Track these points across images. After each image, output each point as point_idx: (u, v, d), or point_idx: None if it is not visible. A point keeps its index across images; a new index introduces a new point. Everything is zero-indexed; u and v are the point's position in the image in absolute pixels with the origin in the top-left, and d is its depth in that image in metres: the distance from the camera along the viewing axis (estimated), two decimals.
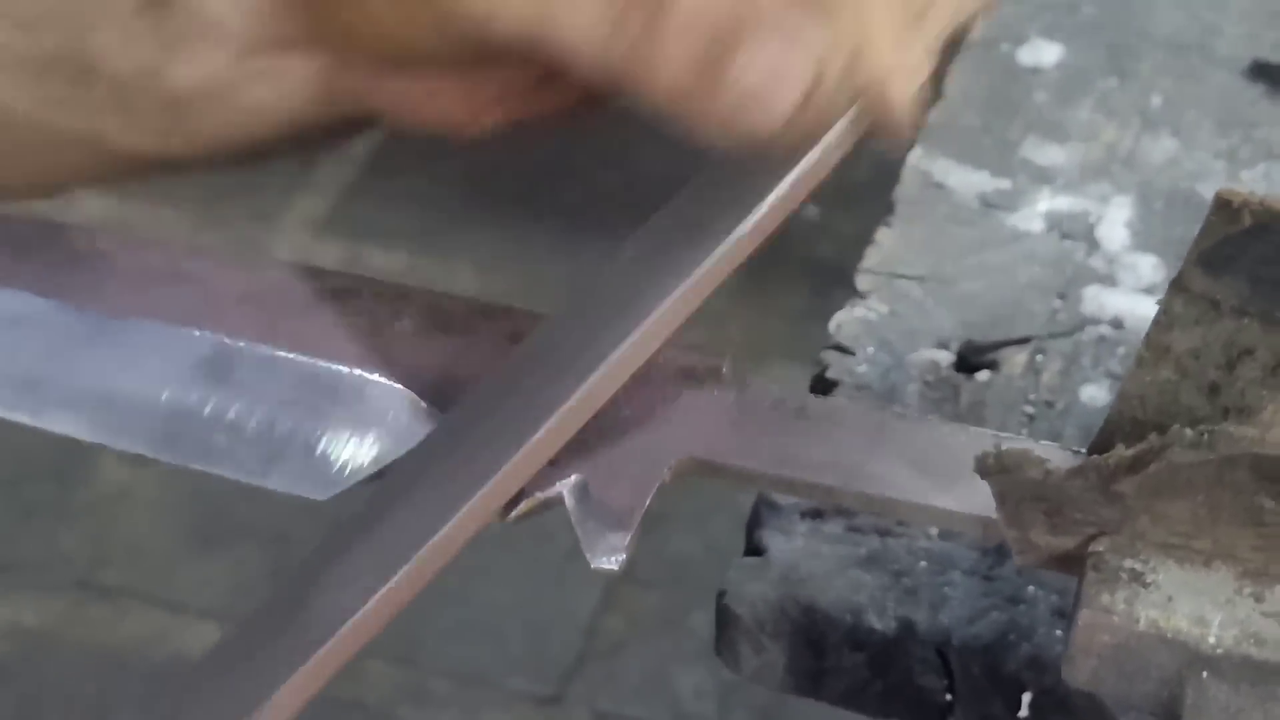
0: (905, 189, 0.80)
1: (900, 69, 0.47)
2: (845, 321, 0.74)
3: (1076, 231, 0.79)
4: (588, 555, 0.45)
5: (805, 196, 0.47)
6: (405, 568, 0.42)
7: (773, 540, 0.67)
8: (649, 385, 0.48)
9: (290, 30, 0.49)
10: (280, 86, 0.50)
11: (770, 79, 0.44)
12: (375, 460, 0.47)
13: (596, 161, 1.89)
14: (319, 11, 0.48)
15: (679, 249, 0.46)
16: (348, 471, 0.47)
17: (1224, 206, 0.45)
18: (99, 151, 0.51)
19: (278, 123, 0.50)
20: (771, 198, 0.46)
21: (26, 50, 0.50)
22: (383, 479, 0.46)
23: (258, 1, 0.49)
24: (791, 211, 0.47)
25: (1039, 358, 0.73)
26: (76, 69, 0.50)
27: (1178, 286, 0.46)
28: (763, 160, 0.46)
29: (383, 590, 0.42)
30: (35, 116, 0.51)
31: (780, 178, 0.46)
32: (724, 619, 0.66)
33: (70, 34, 0.50)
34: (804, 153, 0.46)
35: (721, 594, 0.66)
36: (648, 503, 0.46)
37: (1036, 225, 0.79)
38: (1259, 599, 0.45)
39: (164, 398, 0.48)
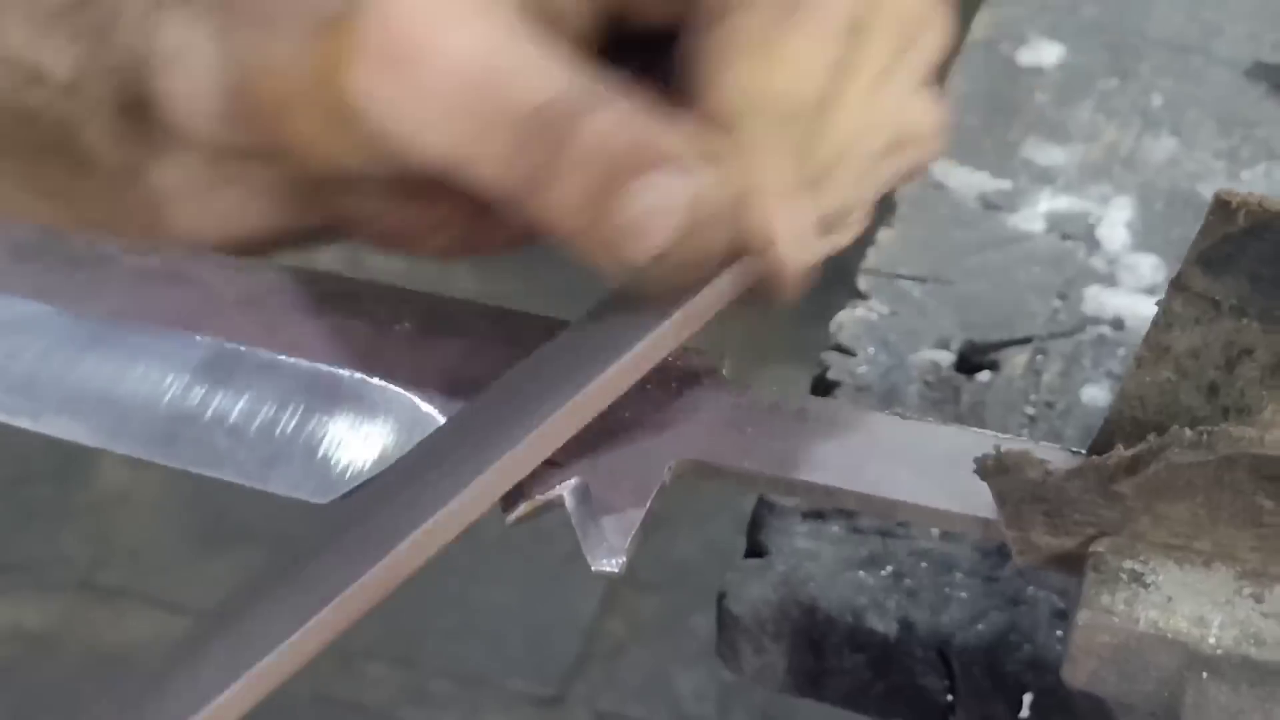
0: (905, 189, 0.80)
1: (787, 230, 0.48)
2: (846, 322, 0.74)
3: (1077, 232, 0.79)
4: (588, 557, 0.45)
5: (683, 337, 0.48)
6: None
7: (773, 541, 0.67)
8: (649, 387, 0.48)
9: (247, 141, 0.51)
10: (247, 191, 0.51)
11: (648, 212, 0.46)
12: (376, 463, 0.47)
13: None
14: (261, 127, 0.50)
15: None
16: (348, 475, 0.47)
17: (1223, 206, 0.45)
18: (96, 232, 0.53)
19: (251, 226, 0.52)
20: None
21: (28, 140, 0.51)
22: (381, 478, 0.46)
23: (218, 112, 0.50)
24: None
25: (1039, 358, 0.73)
26: (72, 162, 0.51)
27: (1177, 286, 0.46)
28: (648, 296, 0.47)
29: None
30: (34, 206, 0.52)
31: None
32: (725, 620, 0.66)
33: (65, 131, 0.51)
34: (682, 294, 0.47)
35: (722, 595, 0.66)
36: (648, 504, 0.46)
37: (1037, 225, 0.79)
38: (1259, 599, 0.45)
39: (164, 401, 0.48)
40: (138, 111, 0.51)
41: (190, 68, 0.50)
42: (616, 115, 0.46)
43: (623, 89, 0.47)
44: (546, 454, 0.45)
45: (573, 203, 0.46)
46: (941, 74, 0.52)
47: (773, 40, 0.48)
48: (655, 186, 0.46)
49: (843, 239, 0.52)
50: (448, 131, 0.47)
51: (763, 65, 0.47)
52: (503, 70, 0.47)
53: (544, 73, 0.47)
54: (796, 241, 0.48)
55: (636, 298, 0.47)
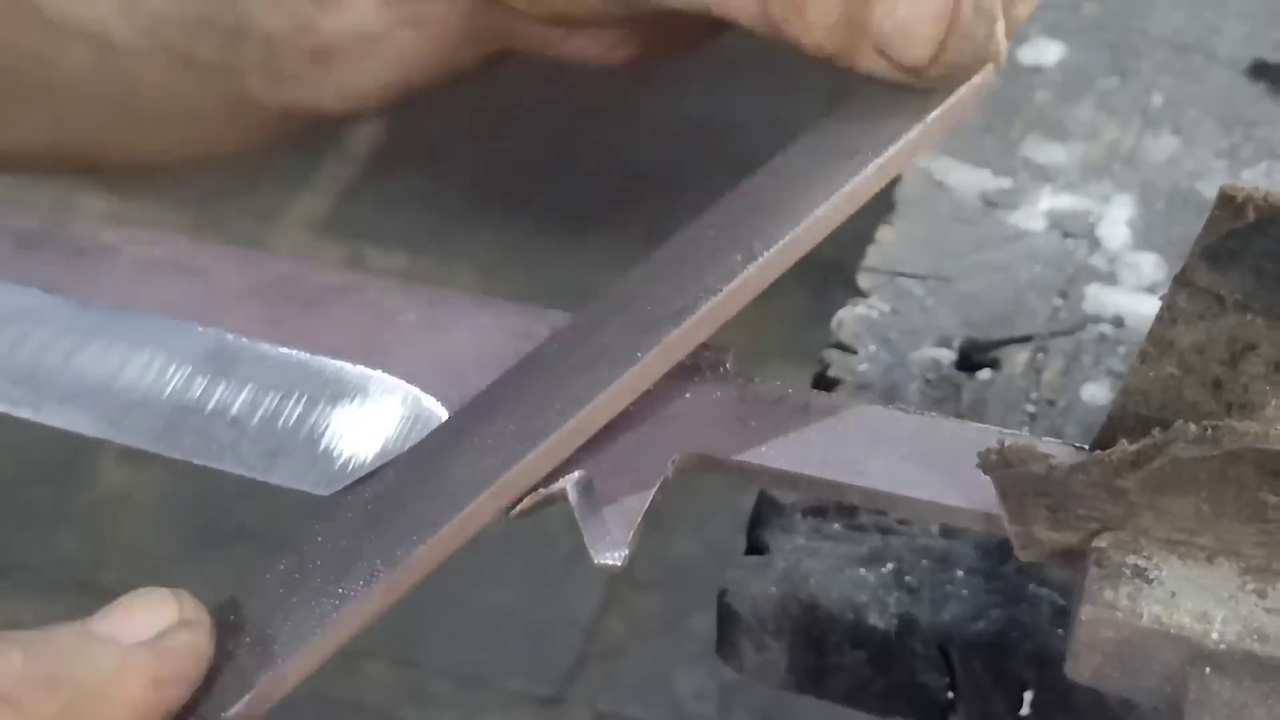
0: (906, 188, 0.80)
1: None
2: (847, 320, 0.74)
3: (1078, 230, 0.79)
4: (591, 551, 0.45)
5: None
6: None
7: (774, 538, 0.67)
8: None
9: None
10: (426, 30, 0.51)
11: (914, 16, 0.48)
12: (378, 456, 0.47)
13: (597, 161, 1.89)
14: None
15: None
16: (350, 467, 0.47)
17: (1228, 202, 0.45)
18: (244, 115, 0.52)
19: (424, 68, 0.52)
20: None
21: (179, 15, 0.51)
22: (388, 474, 0.46)
23: None
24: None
25: (1040, 356, 0.73)
26: (226, 32, 0.51)
27: (1182, 281, 0.45)
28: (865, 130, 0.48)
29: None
30: (183, 89, 0.52)
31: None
32: (725, 617, 0.66)
33: None
34: (926, 107, 0.49)
35: (723, 592, 0.66)
36: (651, 498, 0.46)
37: (1038, 224, 0.79)
38: (1262, 595, 0.45)
39: (166, 393, 0.48)
40: None
41: None
42: None
43: None
44: (559, 460, 0.45)
45: (828, 24, 0.47)
46: None
47: None
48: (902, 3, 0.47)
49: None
50: None
51: None
52: None
53: None
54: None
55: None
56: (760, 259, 0.47)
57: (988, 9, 0.49)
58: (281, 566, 0.43)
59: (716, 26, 0.53)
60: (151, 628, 0.41)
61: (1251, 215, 0.44)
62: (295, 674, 0.41)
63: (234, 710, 0.41)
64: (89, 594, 1.91)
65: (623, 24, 0.52)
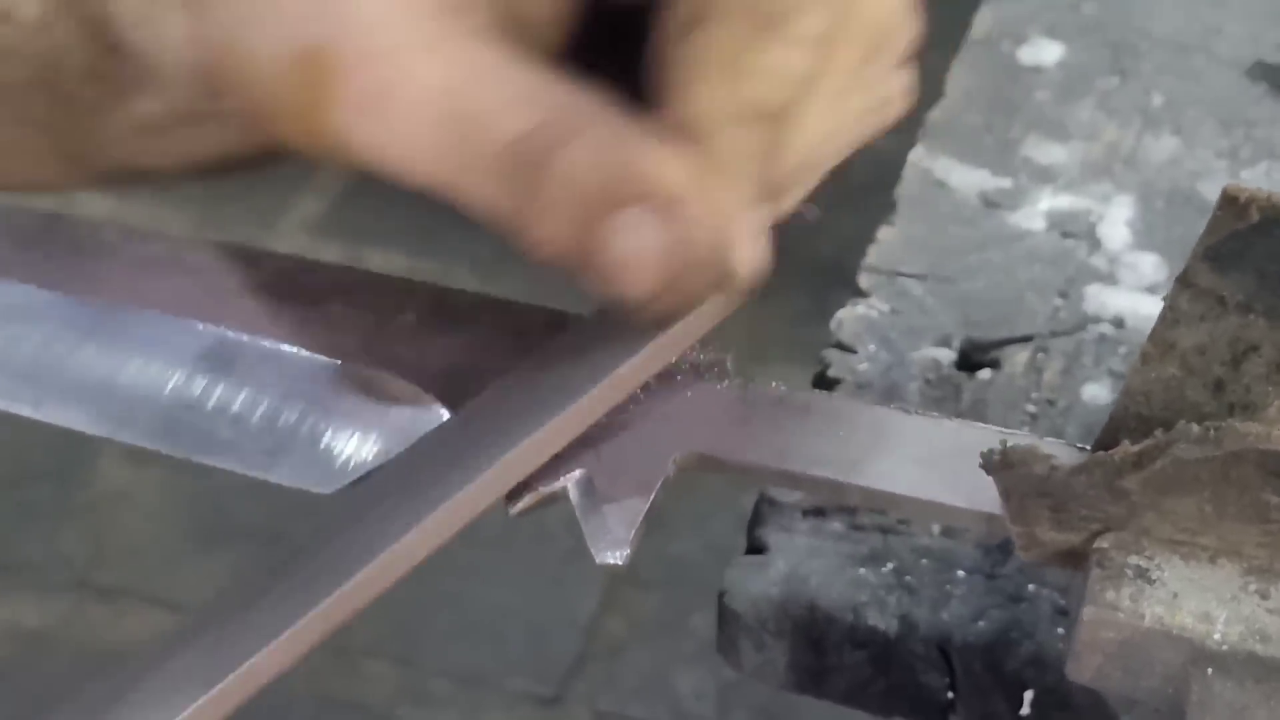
0: (906, 187, 0.80)
1: (751, 245, 0.48)
2: (847, 319, 0.74)
3: (1078, 230, 0.79)
4: (592, 550, 0.45)
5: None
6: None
7: (774, 538, 0.67)
8: (653, 380, 0.48)
9: (210, 101, 0.50)
10: (224, 125, 0.51)
11: (630, 252, 0.46)
12: (379, 454, 0.47)
13: None
14: (233, 98, 0.49)
15: None
16: (351, 465, 0.46)
17: (1231, 202, 0.44)
18: (79, 164, 0.52)
19: (229, 151, 0.51)
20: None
21: (7, 73, 0.51)
22: (388, 472, 0.46)
23: (188, 73, 0.50)
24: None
25: (1040, 356, 0.73)
26: (50, 95, 0.51)
27: (1184, 282, 0.45)
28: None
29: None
30: (16, 135, 0.52)
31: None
32: (725, 617, 0.66)
33: (42, 65, 0.51)
34: (673, 321, 0.47)
35: (723, 592, 0.66)
36: (652, 497, 0.46)
37: (1038, 224, 0.79)
38: (1264, 596, 0.45)
39: (167, 390, 0.48)
40: (111, 52, 0.50)
41: (159, 33, 0.49)
42: (593, 144, 0.46)
43: (597, 99, 0.47)
44: (553, 451, 0.45)
45: (559, 236, 0.46)
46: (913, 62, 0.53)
47: (745, 54, 0.48)
48: (634, 227, 0.46)
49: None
50: (431, 164, 0.47)
51: (734, 79, 0.48)
52: (478, 101, 0.47)
53: (518, 100, 0.47)
54: (755, 251, 0.48)
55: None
56: None
57: (720, 238, 0.47)
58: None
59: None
60: None
61: (1255, 216, 0.44)
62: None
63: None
64: (89, 592, 1.91)
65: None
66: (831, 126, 0.50)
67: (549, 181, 0.46)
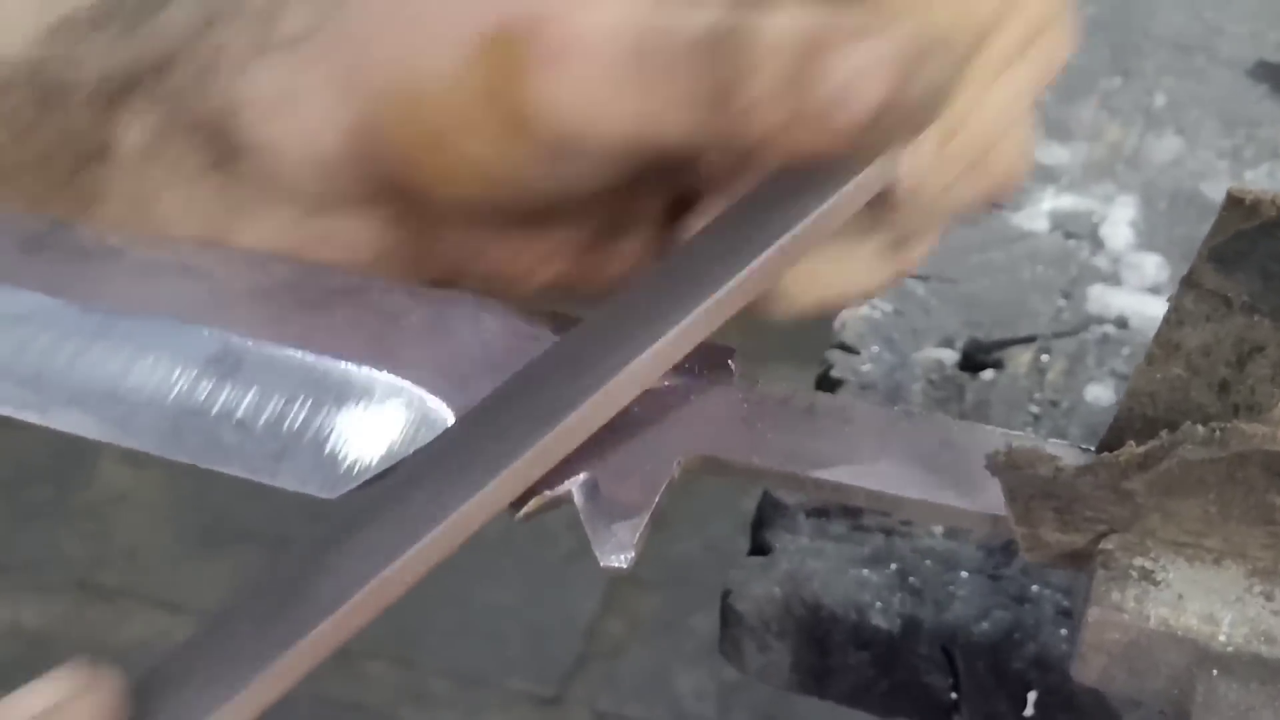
0: None
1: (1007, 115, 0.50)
2: (850, 320, 0.74)
3: (1081, 231, 0.79)
4: (597, 553, 0.45)
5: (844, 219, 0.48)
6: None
7: (778, 539, 0.67)
8: (657, 382, 0.47)
9: (356, 187, 0.50)
10: (340, 248, 0.51)
11: (856, 73, 0.45)
12: (384, 458, 0.46)
13: None
14: (394, 162, 0.50)
15: (717, 261, 0.46)
16: (356, 470, 0.46)
17: (1236, 203, 0.44)
18: None
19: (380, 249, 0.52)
20: (809, 218, 0.47)
21: (95, 208, 0.51)
22: (393, 477, 0.46)
23: (330, 158, 0.50)
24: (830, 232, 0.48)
25: (1044, 357, 0.73)
26: (150, 221, 0.51)
27: (1189, 283, 0.45)
28: (817, 172, 0.47)
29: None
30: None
31: (822, 198, 0.47)
32: (729, 617, 0.66)
33: (140, 194, 0.51)
34: (863, 165, 0.47)
35: (726, 592, 0.66)
36: (657, 500, 0.46)
37: (1041, 224, 0.79)
38: (1269, 597, 0.45)
39: (172, 395, 0.48)
40: (224, 173, 0.50)
41: (300, 114, 0.49)
42: (788, 12, 0.47)
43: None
44: (559, 457, 0.45)
45: (769, 96, 0.46)
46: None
47: None
48: (855, 51, 0.45)
49: (913, 255, 0.52)
50: (627, 100, 0.47)
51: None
52: (660, 15, 0.47)
53: (695, 5, 0.47)
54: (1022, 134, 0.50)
55: (807, 172, 0.47)
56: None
57: (940, 52, 0.47)
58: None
59: (629, 251, 0.52)
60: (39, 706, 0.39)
61: (1259, 217, 0.44)
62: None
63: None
64: (89, 593, 1.91)
65: (525, 221, 0.51)
66: (988, 106, 0.50)
67: (752, 48, 0.46)
